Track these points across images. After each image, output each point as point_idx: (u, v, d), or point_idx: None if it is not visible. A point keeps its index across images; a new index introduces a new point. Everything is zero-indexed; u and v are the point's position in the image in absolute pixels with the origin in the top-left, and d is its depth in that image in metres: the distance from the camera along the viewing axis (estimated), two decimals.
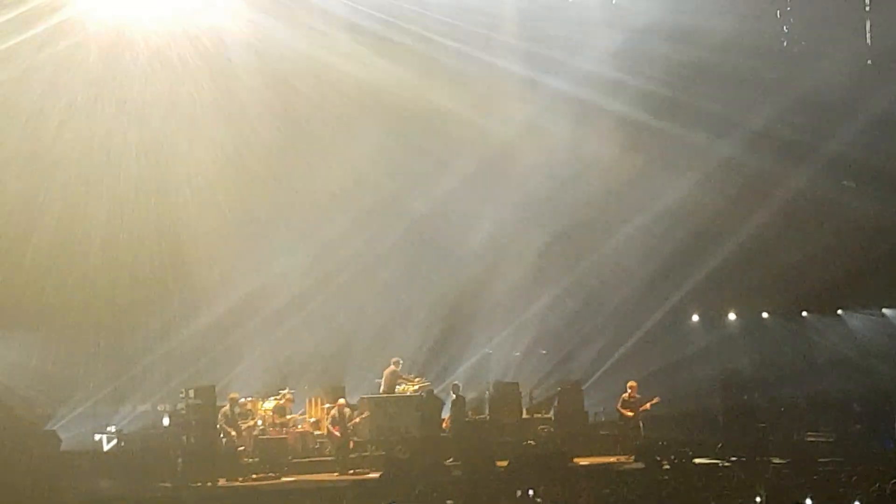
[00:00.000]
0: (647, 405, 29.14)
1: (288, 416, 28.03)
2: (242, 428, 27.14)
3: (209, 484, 25.50)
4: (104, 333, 29.38)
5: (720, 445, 28.57)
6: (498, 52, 31.59)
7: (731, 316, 35.49)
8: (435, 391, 29.36)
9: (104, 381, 28.96)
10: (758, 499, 17.12)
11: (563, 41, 31.65)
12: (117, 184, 29.20)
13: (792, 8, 32.90)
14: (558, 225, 32.43)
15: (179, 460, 25.86)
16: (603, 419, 31.39)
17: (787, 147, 32.18)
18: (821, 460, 25.65)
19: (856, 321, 35.01)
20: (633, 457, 28.18)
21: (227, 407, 27.09)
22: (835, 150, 32.05)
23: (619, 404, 29.36)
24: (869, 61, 32.34)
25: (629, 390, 29.36)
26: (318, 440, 28.07)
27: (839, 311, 34.92)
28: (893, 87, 31.02)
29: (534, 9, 31.78)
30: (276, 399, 28.13)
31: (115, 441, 27.95)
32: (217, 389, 26.82)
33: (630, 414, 29.14)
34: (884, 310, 34.33)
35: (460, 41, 31.16)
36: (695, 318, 35.19)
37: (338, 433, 27.27)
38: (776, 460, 25.80)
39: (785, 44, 33.05)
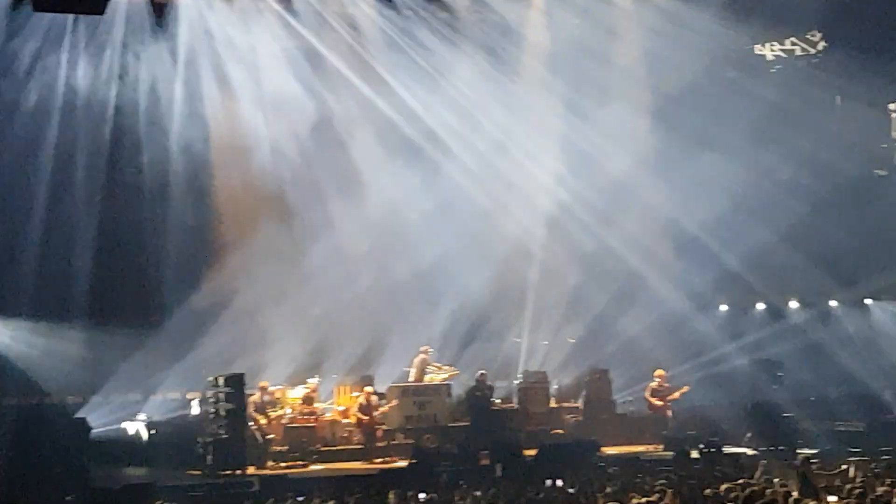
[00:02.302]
0: (677, 394, 29.08)
1: (316, 405, 28.09)
2: (272, 417, 27.22)
3: (238, 472, 25.61)
4: (135, 321, 29.48)
5: (749, 435, 28.48)
6: None
7: (760, 305, 35.27)
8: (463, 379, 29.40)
9: (135, 369, 28.98)
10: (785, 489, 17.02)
11: None
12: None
13: None
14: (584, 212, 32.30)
15: (209, 448, 25.93)
16: (632, 408, 31.29)
17: None
18: (850, 450, 25.60)
19: (882, 311, 34.76)
20: (661, 446, 28.15)
21: (258, 395, 27.19)
22: None
23: (648, 393, 29.31)
24: None
25: (657, 379, 29.29)
26: (346, 428, 28.13)
27: (866, 301, 34.65)
28: None
29: None
30: (304, 387, 28.19)
31: (144, 429, 28.01)
32: (246, 378, 26.80)
33: (659, 403, 29.08)
34: None
35: None
36: (723, 307, 34.97)
37: (366, 421, 27.31)
38: (805, 451, 25.69)
39: None
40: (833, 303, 34.83)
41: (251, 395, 27.08)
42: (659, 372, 29.36)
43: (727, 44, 31.66)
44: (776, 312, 34.89)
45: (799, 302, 34.96)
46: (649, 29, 31.84)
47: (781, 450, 26.62)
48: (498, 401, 29.52)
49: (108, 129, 29.95)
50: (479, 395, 28.72)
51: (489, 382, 29.12)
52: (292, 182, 31.14)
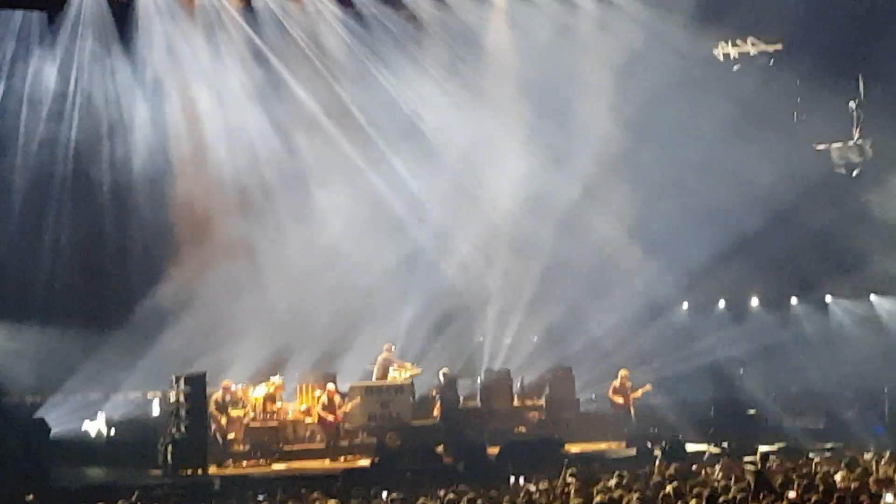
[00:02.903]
0: (639, 392, 29.16)
1: (278, 403, 27.96)
2: (231, 415, 27.08)
3: (199, 472, 25.46)
4: (95, 320, 29.34)
5: (711, 431, 28.61)
6: None
7: (721, 303, 35.46)
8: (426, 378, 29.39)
9: (95, 369, 28.80)
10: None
11: None
12: None
13: None
14: (548, 213, 32.45)
15: (169, 448, 25.77)
16: (594, 406, 31.37)
17: None
18: (811, 446, 25.79)
19: (843, 308, 35.00)
20: (623, 444, 28.23)
21: (220, 394, 27.06)
22: None
23: (610, 391, 29.36)
24: None
25: (620, 378, 29.36)
26: (309, 427, 28.03)
27: (827, 298, 34.90)
28: None
29: None
30: (266, 386, 28.06)
31: (105, 428, 27.80)
32: (208, 377, 26.66)
33: (621, 401, 29.14)
34: (871, 296, 34.33)
35: None
36: (685, 305, 35.14)
37: (328, 420, 27.23)
38: (765, 447, 25.85)
39: None
40: (794, 301, 35.01)
41: (213, 393, 26.94)
42: (622, 371, 29.45)
43: (691, 47, 31.87)
44: (737, 311, 35.06)
45: (760, 300, 35.13)
46: (614, 33, 32.09)
47: (743, 446, 26.77)
48: (461, 399, 29.48)
49: (69, 128, 29.93)
50: (448, 392, 28.67)
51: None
52: (255, 179, 31.24)
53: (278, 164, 31.42)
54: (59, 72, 29.93)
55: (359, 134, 31.84)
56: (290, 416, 28.12)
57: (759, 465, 19.86)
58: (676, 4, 31.39)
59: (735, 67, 33.12)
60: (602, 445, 28.46)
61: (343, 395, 28.14)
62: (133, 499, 19.78)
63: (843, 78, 31.91)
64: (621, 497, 16.13)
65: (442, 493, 19.27)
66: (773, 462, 21.62)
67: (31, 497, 22.12)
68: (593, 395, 31.45)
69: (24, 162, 29.75)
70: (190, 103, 30.82)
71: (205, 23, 30.83)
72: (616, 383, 29.28)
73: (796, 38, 32.01)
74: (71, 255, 29.75)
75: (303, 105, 31.47)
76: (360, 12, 32.02)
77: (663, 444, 26.05)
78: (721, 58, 32.98)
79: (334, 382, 28.33)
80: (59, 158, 29.97)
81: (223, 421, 26.85)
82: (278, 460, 26.86)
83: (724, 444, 27.26)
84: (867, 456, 21.39)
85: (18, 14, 29.75)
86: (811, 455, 24.04)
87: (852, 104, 32.44)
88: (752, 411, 29.73)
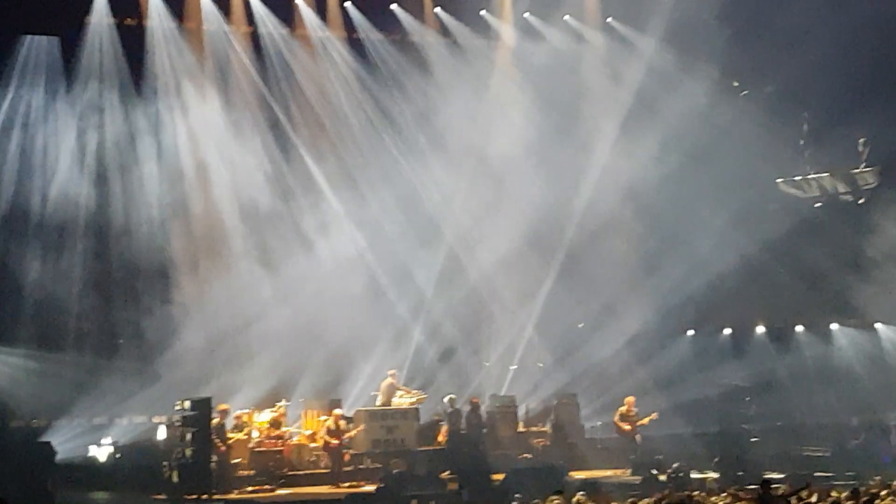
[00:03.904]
0: (646, 420, 29.09)
1: (283, 429, 27.95)
2: (238, 439, 27.02)
3: (204, 496, 25.42)
4: (102, 344, 29.47)
5: (716, 459, 28.57)
6: None
7: (726, 330, 35.44)
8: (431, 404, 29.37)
9: (101, 394, 28.86)
10: None
11: None
12: None
13: None
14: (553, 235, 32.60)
15: (175, 472, 25.75)
16: (600, 433, 31.36)
17: None
18: (816, 475, 25.71)
19: (848, 337, 34.97)
20: (629, 471, 28.17)
21: (218, 419, 27.01)
22: None
23: (617, 418, 29.32)
24: None
25: (627, 404, 29.31)
26: (314, 452, 27.98)
27: (832, 326, 34.90)
28: None
29: None
30: (271, 411, 28.04)
31: (110, 453, 27.79)
32: (214, 402, 26.68)
33: (628, 428, 29.09)
34: (876, 325, 34.33)
35: None
36: (689, 332, 35.15)
37: (333, 446, 27.19)
38: (770, 475, 25.76)
39: None
40: (799, 329, 35.01)
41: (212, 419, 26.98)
42: (629, 398, 29.41)
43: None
44: (742, 339, 35.04)
45: (766, 327, 35.12)
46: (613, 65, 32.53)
47: (748, 474, 26.72)
48: (466, 425, 29.45)
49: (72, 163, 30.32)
50: (449, 419, 28.64)
51: (457, 407, 29.07)
52: (261, 206, 31.38)
53: (283, 190, 31.64)
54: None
55: (367, 158, 32.11)
56: (296, 441, 28.09)
57: (763, 493, 19.82)
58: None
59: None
60: (607, 472, 28.38)
61: (348, 421, 28.11)
62: None
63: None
64: None
65: None
66: (777, 490, 21.55)
67: None
68: (598, 422, 31.42)
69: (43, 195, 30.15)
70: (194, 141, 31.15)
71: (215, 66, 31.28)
72: (623, 410, 29.25)
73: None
74: (80, 284, 29.90)
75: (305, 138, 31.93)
76: (368, 52, 32.56)
77: (668, 471, 25.99)
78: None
79: (339, 408, 28.33)
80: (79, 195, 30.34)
81: (222, 446, 26.74)
82: (283, 485, 26.80)
83: (729, 472, 27.21)
84: (873, 485, 21.37)
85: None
86: (816, 483, 23.94)
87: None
88: (755, 439, 29.66)
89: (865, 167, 33.12)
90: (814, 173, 33.94)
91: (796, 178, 34.13)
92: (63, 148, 30.36)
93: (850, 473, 26.50)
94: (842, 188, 33.70)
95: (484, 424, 28.95)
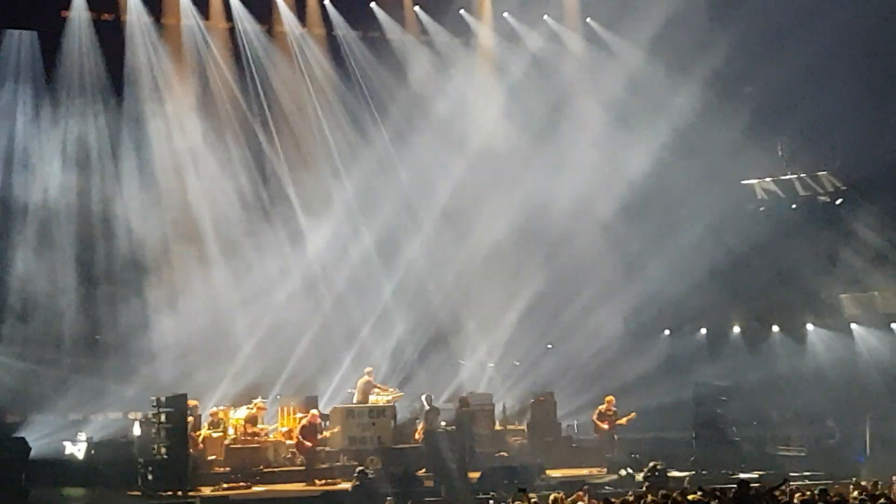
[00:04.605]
0: (624, 420, 29.04)
1: (260, 426, 27.88)
2: (201, 436, 26.95)
3: (179, 493, 25.33)
4: (77, 340, 29.38)
5: (693, 458, 28.64)
6: None
7: (702, 331, 35.54)
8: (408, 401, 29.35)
9: (76, 390, 28.76)
10: None
11: None
12: None
13: None
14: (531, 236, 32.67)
15: (149, 469, 25.65)
16: (576, 431, 31.38)
17: None
18: (791, 474, 25.79)
19: (823, 337, 35.10)
20: (605, 469, 28.20)
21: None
22: None
23: (595, 416, 29.25)
24: None
25: (606, 403, 29.25)
26: (290, 450, 27.91)
27: (808, 327, 35.04)
28: None
29: None
30: (248, 408, 27.97)
31: (85, 449, 27.66)
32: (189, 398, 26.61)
33: (606, 427, 29.04)
34: (852, 325, 34.48)
35: None
36: (666, 332, 35.24)
37: (309, 443, 27.13)
38: (745, 475, 25.85)
39: None
40: (775, 329, 35.12)
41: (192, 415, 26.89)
42: (608, 397, 29.36)
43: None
44: (718, 338, 35.14)
45: (741, 328, 35.24)
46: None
47: (724, 474, 26.80)
48: (443, 423, 29.40)
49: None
50: (425, 416, 28.59)
51: (434, 404, 29.01)
52: (238, 206, 31.51)
53: (262, 192, 31.70)
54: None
55: (346, 160, 32.21)
56: (272, 439, 28.02)
57: (741, 493, 19.86)
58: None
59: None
60: (584, 471, 28.39)
61: (325, 418, 28.06)
62: None
63: None
64: None
65: None
66: (753, 489, 21.61)
67: None
68: (575, 421, 31.46)
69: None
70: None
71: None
72: (602, 408, 29.18)
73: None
74: (58, 281, 29.84)
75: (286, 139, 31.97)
76: (344, 51, 32.63)
77: (645, 470, 26.02)
78: None
79: (316, 405, 28.28)
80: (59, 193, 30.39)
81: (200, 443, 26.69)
82: (259, 482, 26.73)
83: (705, 472, 27.28)
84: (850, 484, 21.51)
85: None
86: (792, 483, 24.02)
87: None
88: (735, 439, 29.73)
89: (791, 173, 33.51)
90: (790, 174, 34.09)
91: (769, 179, 34.28)
92: (45, 146, 30.23)
93: (824, 473, 26.61)
94: (810, 190, 33.91)
95: (472, 422, 28.72)
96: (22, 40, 30.29)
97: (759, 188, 34.44)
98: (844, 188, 33.01)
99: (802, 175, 33.77)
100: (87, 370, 29.22)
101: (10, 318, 29.30)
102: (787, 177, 34.02)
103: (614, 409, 29.13)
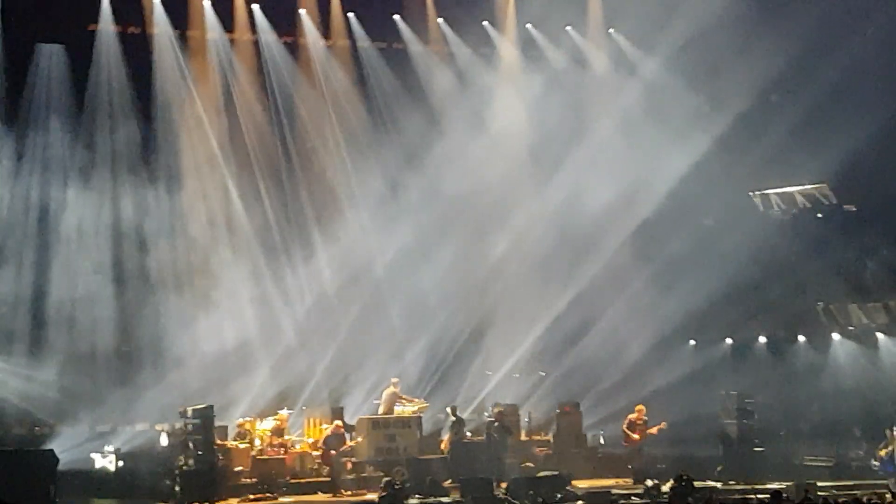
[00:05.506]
0: (654, 430, 28.84)
1: (286, 437, 27.97)
2: (241, 447, 27.06)
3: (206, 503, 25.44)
4: (105, 353, 29.54)
5: (719, 469, 28.54)
6: None
7: (728, 341, 35.46)
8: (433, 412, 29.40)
9: (104, 401, 28.92)
10: None
11: None
12: None
13: None
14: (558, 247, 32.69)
15: (177, 479, 25.75)
16: (602, 441, 31.31)
17: None
18: (820, 484, 25.70)
19: (849, 347, 35.00)
20: (632, 480, 28.12)
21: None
22: None
23: (626, 425, 29.04)
24: None
25: (637, 412, 29.09)
26: (316, 460, 27.97)
27: (833, 336, 34.93)
28: None
29: None
30: (274, 419, 28.06)
31: (112, 461, 27.78)
32: (216, 409, 26.72)
33: (636, 437, 28.83)
34: (878, 335, 34.37)
35: None
36: (691, 342, 35.17)
37: (335, 454, 27.17)
38: (774, 485, 25.75)
39: None
40: (801, 339, 35.03)
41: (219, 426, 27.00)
42: (639, 406, 29.20)
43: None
44: (744, 348, 35.07)
45: (767, 338, 35.15)
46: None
47: (752, 484, 26.71)
48: (469, 434, 29.40)
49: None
50: (451, 427, 28.59)
51: (459, 415, 29.04)
52: (264, 218, 31.61)
53: (288, 203, 31.90)
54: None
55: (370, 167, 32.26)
56: (298, 449, 28.09)
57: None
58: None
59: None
60: (610, 482, 28.33)
61: (350, 429, 28.12)
62: None
63: None
64: None
65: None
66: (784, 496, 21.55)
67: None
68: (601, 433, 31.41)
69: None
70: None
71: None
72: (633, 416, 29.01)
73: None
74: (87, 293, 30.04)
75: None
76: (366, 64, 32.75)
77: (671, 481, 25.92)
78: None
79: (341, 416, 28.34)
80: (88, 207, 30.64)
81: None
82: (285, 493, 26.80)
83: (732, 482, 27.20)
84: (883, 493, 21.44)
85: None
86: (819, 493, 23.94)
87: None
88: (760, 449, 29.61)
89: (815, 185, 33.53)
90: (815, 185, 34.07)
91: (794, 190, 34.23)
92: (76, 159, 30.47)
93: (851, 483, 26.49)
94: (835, 202, 33.90)
95: (509, 433, 28.68)
96: (53, 54, 30.50)
97: (784, 199, 34.42)
98: (868, 200, 32.99)
99: (824, 186, 33.75)
100: (117, 382, 29.32)
101: (42, 330, 29.43)
102: (812, 187, 33.99)
103: (645, 418, 28.96)
